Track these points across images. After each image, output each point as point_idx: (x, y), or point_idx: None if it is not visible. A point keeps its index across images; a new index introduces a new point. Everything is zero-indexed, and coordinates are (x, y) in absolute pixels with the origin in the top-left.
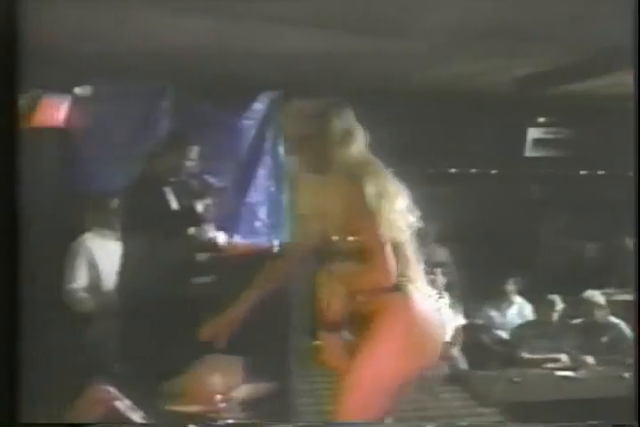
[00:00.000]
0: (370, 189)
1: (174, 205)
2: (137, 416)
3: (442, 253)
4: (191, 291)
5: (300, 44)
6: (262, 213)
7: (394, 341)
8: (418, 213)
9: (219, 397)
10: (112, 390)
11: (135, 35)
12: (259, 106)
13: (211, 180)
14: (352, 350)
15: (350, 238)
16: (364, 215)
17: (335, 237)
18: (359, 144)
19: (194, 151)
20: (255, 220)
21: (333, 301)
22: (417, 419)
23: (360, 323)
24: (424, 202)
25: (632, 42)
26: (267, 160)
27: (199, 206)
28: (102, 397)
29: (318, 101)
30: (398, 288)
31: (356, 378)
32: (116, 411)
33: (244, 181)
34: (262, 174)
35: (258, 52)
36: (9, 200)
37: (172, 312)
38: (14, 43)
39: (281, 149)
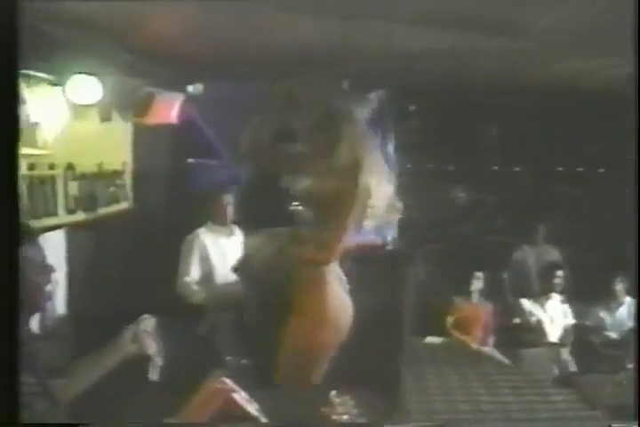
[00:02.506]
0: (364, 178)
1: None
2: (253, 408)
3: (553, 253)
4: None
5: (413, 42)
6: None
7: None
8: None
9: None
10: (228, 381)
11: (247, 34)
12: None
13: None
14: None
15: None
16: (351, 199)
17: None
18: (359, 125)
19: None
20: None
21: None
22: (526, 420)
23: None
24: (535, 200)
25: (632, 40)
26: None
27: None
28: (219, 389)
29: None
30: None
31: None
32: (233, 403)
33: None
34: None
35: (372, 50)
36: (9, 197)
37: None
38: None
39: (391, 147)
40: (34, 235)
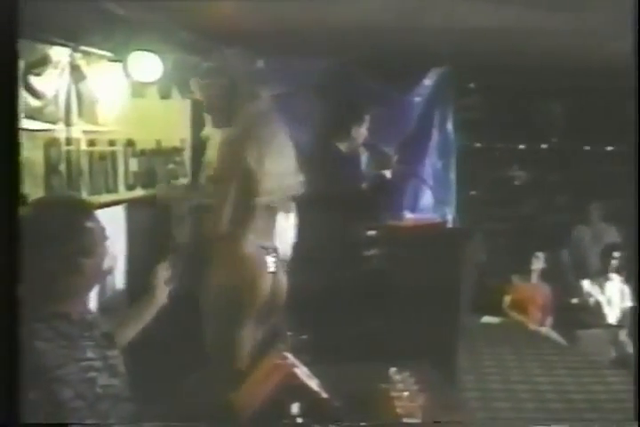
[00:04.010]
0: (251, 150)
1: (357, 176)
2: (314, 384)
3: (612, 233)
4: (361, 263)
5: (473, 19)
6: (430, 188)
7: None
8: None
9: None
10: (290, 356)
11: (309, 11)
12: (428, 82)
13: (390, 152)
14: None
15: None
16: (233, 169)
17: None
18: (260, 104)
19: (368, 123)
20: (423, 195)
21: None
22: (583, 401)
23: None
24: (596, 179)
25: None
26: (435, 136)
27: (387, 175)
28: (280, 364)
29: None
30: (233, 237)
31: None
32: (294, 378)
33: (413, 157)
34: (430, 150)
35: (430, 27)
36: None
37: (343, 281)
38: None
39: (450, 126)
40: (91, 209)
